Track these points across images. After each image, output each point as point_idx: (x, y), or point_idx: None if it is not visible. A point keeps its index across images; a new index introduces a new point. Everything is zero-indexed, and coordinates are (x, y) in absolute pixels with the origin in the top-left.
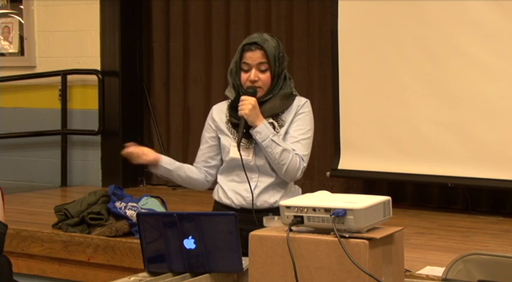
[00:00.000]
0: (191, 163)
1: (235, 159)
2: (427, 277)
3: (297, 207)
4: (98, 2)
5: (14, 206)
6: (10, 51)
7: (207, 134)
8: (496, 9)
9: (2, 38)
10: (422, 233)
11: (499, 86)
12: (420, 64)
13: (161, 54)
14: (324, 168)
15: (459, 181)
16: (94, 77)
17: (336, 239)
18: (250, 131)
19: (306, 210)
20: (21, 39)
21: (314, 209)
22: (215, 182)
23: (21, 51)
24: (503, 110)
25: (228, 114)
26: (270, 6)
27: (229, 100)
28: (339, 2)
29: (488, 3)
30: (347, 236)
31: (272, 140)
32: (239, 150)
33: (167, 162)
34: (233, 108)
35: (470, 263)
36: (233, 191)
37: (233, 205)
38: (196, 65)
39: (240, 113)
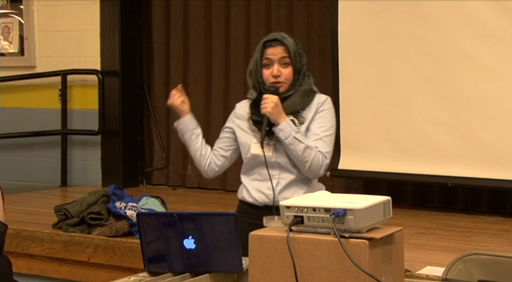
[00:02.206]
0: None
1: (257, 156)
2: (427, 277)
3: (297, 207)
4: (98, 2)
5: (14, 206)
6: (10, 51)
7: (228, 124)
8: (497, 9)
9: (2, 38)
10: (422, 233)
11: (499, 86)
12: (420, 64)
13: (161, 54)
14: None
15: (459, 181)
16: (94, 77)
17: (336, 239)
18: (272, 129)
19: (306, 210)
20: (21, 39)
21: (314, 209)
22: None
23: (21, 51)
24: (503, 110)
25: (250, 111)
26: (270, 6)
27: (251, 99)
28: (339, 2)
29: (488, 3)
30: (347, 236)
31: (295, 138)
32: (262, 148)
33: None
34: (255, 106)
35: (470, 263)
36: (256, 189)
37: (256, 203)
38: (196, 65)
39: (263, 111)
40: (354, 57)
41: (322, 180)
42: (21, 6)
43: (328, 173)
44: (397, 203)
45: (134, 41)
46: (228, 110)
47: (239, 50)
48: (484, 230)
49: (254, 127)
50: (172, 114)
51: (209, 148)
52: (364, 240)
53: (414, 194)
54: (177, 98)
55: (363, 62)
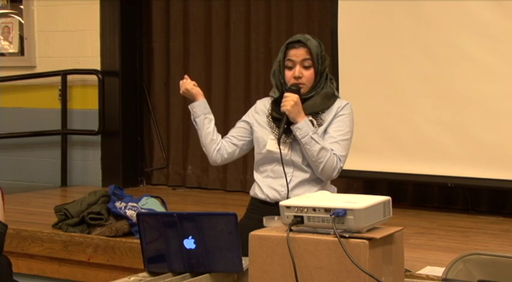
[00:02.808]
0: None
1: (272, 152)
2: (427, 277)
3: (297, 207)
4: (98, 2)
5: (14, 206)
6: (10, 51)
7: (245, 118)
8: (496, 9)
9: (2, 38)
10: (422, 233)
11: (499, 86)
12: (420, 64)
13: (161, 54)
14: None
15: (459, 181)
16: (94, 77)
17: (336, 239)
18: (290, 127)
19: (306, 210)
20: (21, 39)
21: (314, 209)
22: (223, 164)
23: (21, 51)
24: (503, 110)
25: (270, 108)
26: (270, 6)
27: (273, 97)
28: (339, 2)
29: (488, 3)
30: (347, 236)
31: (312, 138)
32: (279, 145)
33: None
34: (276, 103)
35: (470, 263)
36: (268, 186)
37: (268, 199)
38: (196, 65)
39: (283, 109)
40: (354, 57)
41: None
42: (21, 6)
43: None
44: (397, 203)
45: (134, 41)
46: (228, 110)
47: (239, 50)
48: (484, 230)
49: (273, 124)
50: (172, 115)
51: (220, 135)
52: (364, 240)
53: (414, 194)
54: (189, 83)
55: (363, 62)
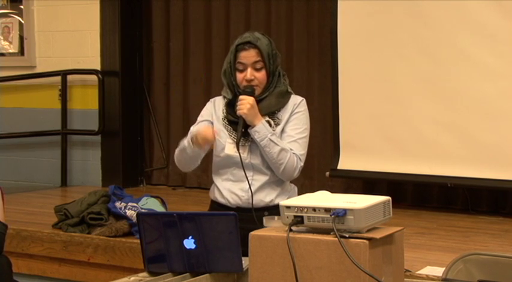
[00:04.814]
0: None
1: (231, 156)
2: (427, 277)
3: (297, 207)
4: (98, 2)
5: (14, 206)
6: (10, 51)
7: (207, 118)
8: (496, 9)
9: (2, 38)
10: (422, 233)
11: (499, 86)
12: (420, 64)
13: (161, 54)
14: (323, 168)
15: (459, 181)
16: (94, 77)
17: (336, 239)
18: (248, 130)
19: (306, 210)
20: (21, 39)
21: (314, 209)
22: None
23: (21, 51)
24: (503, 110)
25: (225, 111)
26: (270, 6)
27: (226, 98)
28: (339, 2)
29: (488, 3)
30: (347, 236)
31: (270, 140)
32: (238, 149)
33: None
34: (231, 106)
35: (470, 263)
36: (228, 190)
37: (229, 204)
38: (196, 65)
39: (239, 112)
40: (353, 57)
41: (322, 180)
42: (21, 6)
43: (327, 173)
44: (396, 203)
45: (134, 41)
46: None
47: None
48: (484, 230)
49: (229, 127)
50: (173, 115)
51: None
52: (364, 240)
53: (414, 194)
54: (214, 138)
55: (363, 62)
